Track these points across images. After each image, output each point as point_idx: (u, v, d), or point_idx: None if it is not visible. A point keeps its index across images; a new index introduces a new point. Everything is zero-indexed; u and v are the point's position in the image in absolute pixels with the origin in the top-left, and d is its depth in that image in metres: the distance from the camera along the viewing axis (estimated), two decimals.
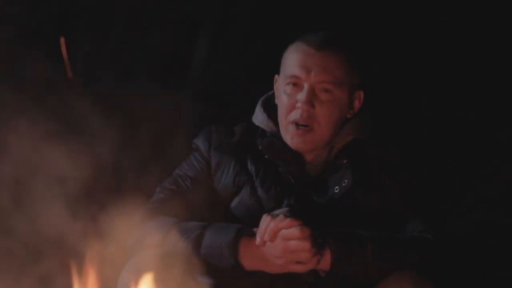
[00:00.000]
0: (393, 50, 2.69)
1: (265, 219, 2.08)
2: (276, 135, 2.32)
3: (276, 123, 2.33)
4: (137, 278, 2.02)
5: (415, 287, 2.03)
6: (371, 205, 2.22)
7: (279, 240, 2.06)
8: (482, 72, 2.66)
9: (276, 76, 2.37)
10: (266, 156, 2.30)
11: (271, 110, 2.36)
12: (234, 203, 2.28)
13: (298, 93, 2.25)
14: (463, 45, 2.67)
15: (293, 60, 2.27)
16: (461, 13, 2.66)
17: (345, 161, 2.26)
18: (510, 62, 2.65)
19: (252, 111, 2.41)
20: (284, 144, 2.30)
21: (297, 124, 2.24)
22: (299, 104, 2.24)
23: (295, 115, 2.25)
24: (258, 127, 2.36)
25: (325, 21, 2.61)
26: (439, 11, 2.67)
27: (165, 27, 2.69)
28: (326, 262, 2.08)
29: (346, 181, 2.23)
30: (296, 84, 2.26)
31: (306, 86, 2.24)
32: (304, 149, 2.27)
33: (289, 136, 2.26)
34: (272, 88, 2.40)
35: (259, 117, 2.37)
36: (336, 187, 2.23)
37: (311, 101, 2.23)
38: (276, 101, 2.34)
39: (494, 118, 2.65)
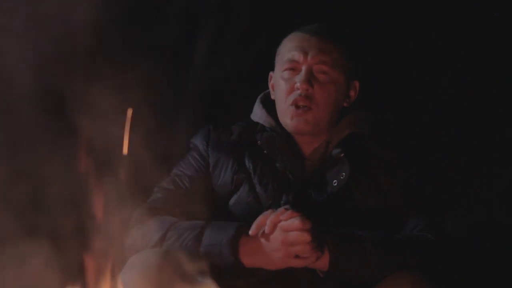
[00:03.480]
0: (393, 48, 2.69)
1: (265, 213, 2.09)
2: (275, 130, 2.33)
3: (275, 119, 2.34)
4: (136, 278, 2.02)
5: (414, 287, 2.03)
6: (370, 203, 2.22)
7: (278, 231, 2.06)
8: (482, 72, 2.66)
9: (270, 73, 2.39)
10: (264, 151, 2.30)
11: (270, 107, 2.37)
12: (232, 200, 2.28)
13: (296, 76, 2.28)
14: (463, 44, 2.67)
15: (289, 46, 2.31)
16: (461, 13, 2.66)
17: (342, 154, 2.26)
18: (510, 62, 2.64)
19: (251, 111, 2.41)
20: (283, 139, 2.30)
21: (296, 106, 2.26)
22: (297, 85, 2.26)
23: (294, 95, 2.26)
24: (256, 124, 2.37)
25: (325, 21, 2.60)
26: (439, 11, 2.67)
27: (165, 26, 2.69)
28: (324, 262, 2.08)
29: (344, 174, 2.23)
30: (293, 68, 2.29)
31: (304, 68, 2.27)
32: (305, 129, 2.27)
33: (289, 117, 2.27)
34: None
35: (258, 113, 2.38)
36: (335, 180, 2.23)
37: (309, 80, 2.25)
38: (273, 96, 2.36)
39: (494, 118, 2.65)
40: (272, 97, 2.37)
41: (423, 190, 2.29)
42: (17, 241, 2.33)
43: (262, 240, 2.09)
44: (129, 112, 2.18)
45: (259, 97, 2.41)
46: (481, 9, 2.64)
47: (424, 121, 2.67)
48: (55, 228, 2.38)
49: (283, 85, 2.29)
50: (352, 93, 2.34)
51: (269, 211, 2.08)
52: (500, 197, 2.62)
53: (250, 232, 2.08)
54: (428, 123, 2.67)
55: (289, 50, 2.30)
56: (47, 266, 2.32)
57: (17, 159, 2.41)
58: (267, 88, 2.41)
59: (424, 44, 2.68)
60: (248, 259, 2.10)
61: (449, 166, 2.63)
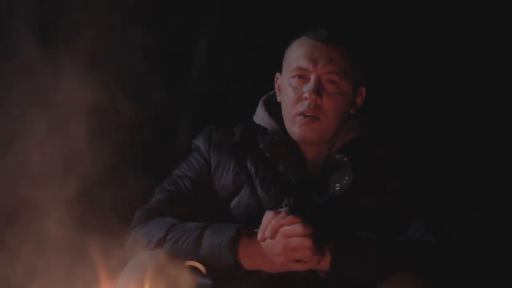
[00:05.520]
0: (393, 49, 2.69)
1: (268, 215, 2.08)
2: (277, 133, 2.32)
3: (277, 122, 2.33)
4: (136, 279, 2.02)
5: None
6: (372, 206, 2.22)
7: (279, 237, 2.06)
8: (482, 72, 2.66)
9: (277, 74, 2.37)
10: (266, 155, 2.30)
11: (273, 109, 2.36)
12: (234, 203, 2.28)
13: (304, 85, 2.26)
14: (463, 44, 2.67)
15: (298, 53, 2.28)
16: (461, 13, 2.66)
17: (345, 159, 2.26)
18: (510, 62, 2.64)
19: (251, 112, 2.41)
20: (286, 142, 2.30)
21: (304, 115, 2.25)
22: (306, 95, 2.25)
23: (302, 106, 2.25)
24: (258, 126, 2.36)
25: (327, 22, 2.61)
26: (439, 11, 2.67)
27: (165, 26, 2.69)
28: (325, 263, 2.08)
29: (346, 178, 2.23)
30: (302, 76, 2.27)
31: (313, 77, 2.25)
32: (312, 139, 2.27)
33: (297, 126, 2.26)
34: (272, 88, 2.40)
35: (260, 116, 2.37)
36: (337, 184, 2.23)
37: (318, 91, 2.24)
38: (279, 99, 2.35)
39: (494, 118, 2.65)
40: (278, 99, 2.36)
41: (424, 190, 2.29)
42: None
43: (263, 244, 2.09)
44: None
45: (262, 99, 2.40)
46: (481, 9, 2.64)
47: (424, 121, 2.67)
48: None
49: (291, 93, 2.28)
50: (358, 100, 2.33)
51: (272, 212, 2.08)
52: (500, 197, 2.62)
53: (259, 239, 2.08)
54: (428, 123, 2.67)
55: (297, 57, 2.28)
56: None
57: None
58: (268, 88, 2.41)
59: (424, 44, 2.67)
60: (248, 261, 2.10)
61: (449, 166, 2.63)
